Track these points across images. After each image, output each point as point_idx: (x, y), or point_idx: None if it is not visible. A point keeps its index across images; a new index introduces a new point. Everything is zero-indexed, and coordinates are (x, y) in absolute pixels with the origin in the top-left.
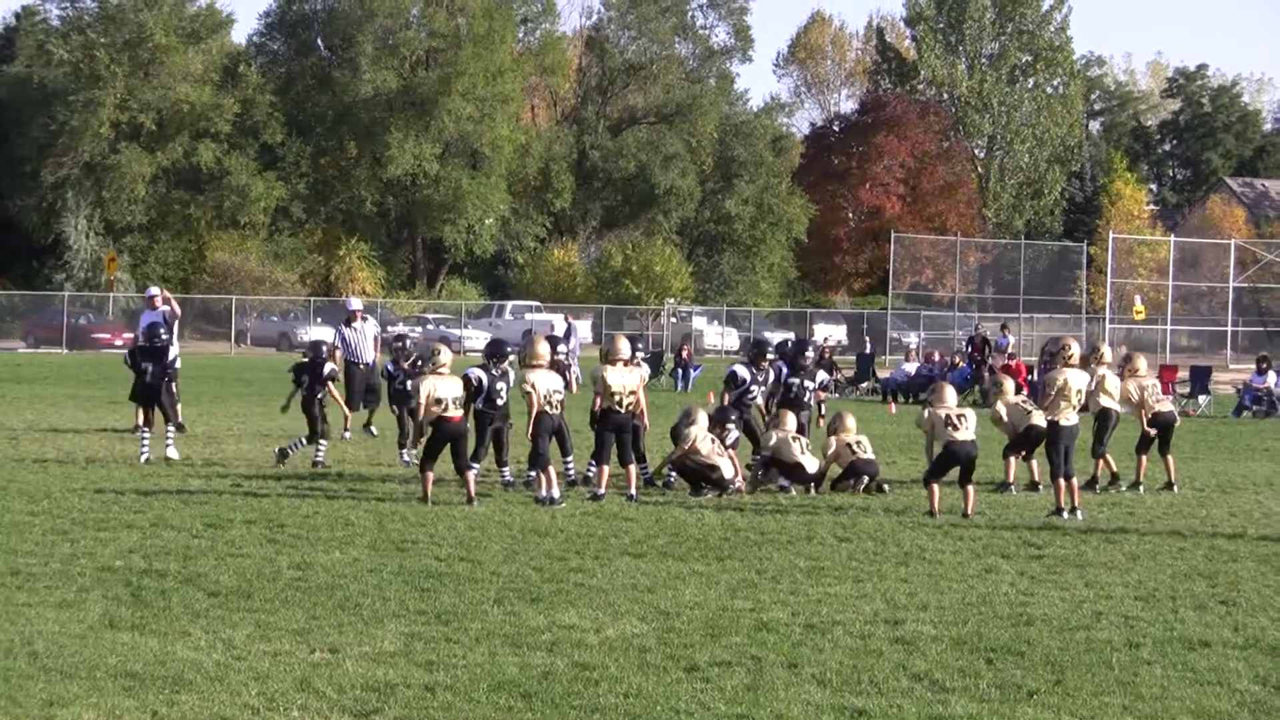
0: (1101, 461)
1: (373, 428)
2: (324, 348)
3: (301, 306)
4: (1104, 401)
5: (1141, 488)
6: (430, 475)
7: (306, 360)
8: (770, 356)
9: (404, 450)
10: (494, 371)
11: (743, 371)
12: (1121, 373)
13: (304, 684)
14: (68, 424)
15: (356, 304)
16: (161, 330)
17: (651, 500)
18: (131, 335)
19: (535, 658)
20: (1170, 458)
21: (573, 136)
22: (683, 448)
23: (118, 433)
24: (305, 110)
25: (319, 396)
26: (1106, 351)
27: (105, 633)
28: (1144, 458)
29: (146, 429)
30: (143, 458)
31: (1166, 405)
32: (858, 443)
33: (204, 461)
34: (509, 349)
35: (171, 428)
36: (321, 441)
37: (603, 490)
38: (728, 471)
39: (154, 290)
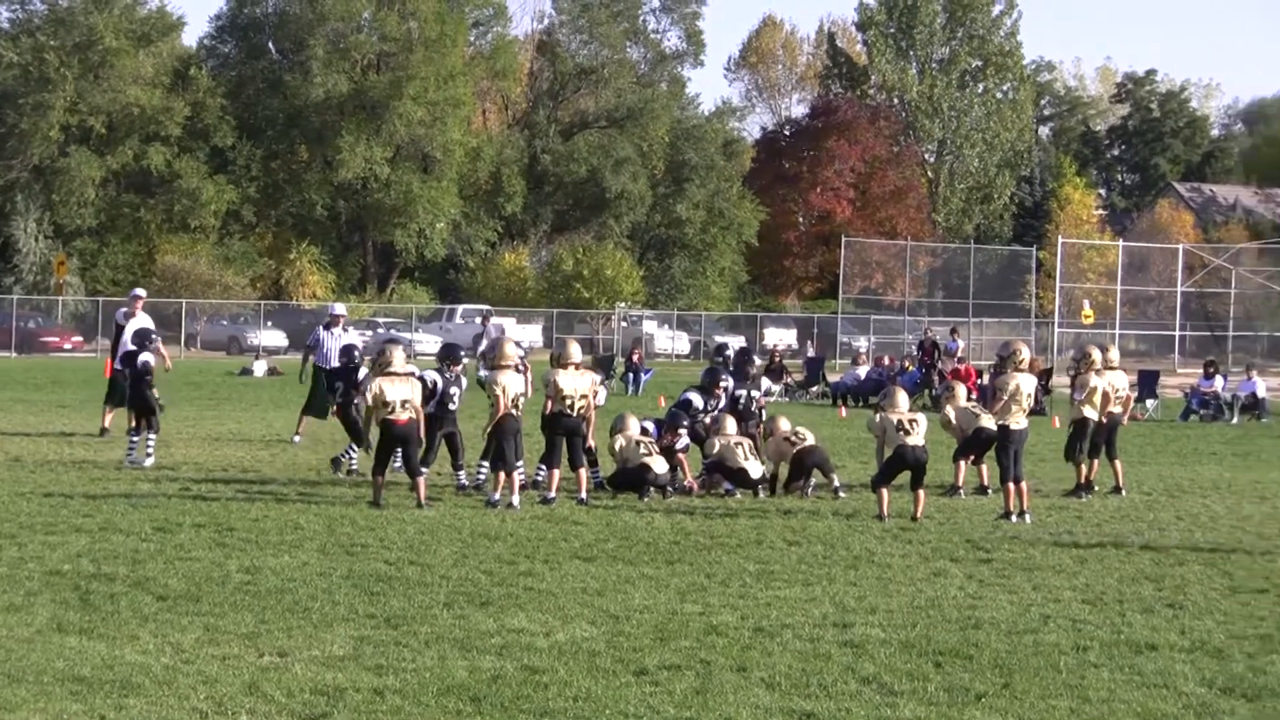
0: (1083, 465)
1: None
2: (356, 353)
3: (252, 310)
4: (1086, 411)
5: (1091, 492)
6: (381, 479)
7: (339, 367)
8: (724, 383)
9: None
10: (448, 375)
11: (697, 400)
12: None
13: (253, 688)
14: (16, 428)
15: (340, 309)
16: (153, 334)
17: (601, 504)
18: (81, 339)
19: (485, 661)
20: (1118, 462)
21: (524, 140)
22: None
23: (66, 436)
24: (256, 113)
25: (355, 402)
26: (1098, 357)
27: (53, 637)
28: (1095, 461)
29: (151, 433)
30: (148, 462)
31: (1117, 407)
32: (795, 433)
33: (153, 465)
34: (462, 352)
35: (152, 435)
36: (353, 449)
37: (553, 494)
38: (660, 468)
39: (139, 291)
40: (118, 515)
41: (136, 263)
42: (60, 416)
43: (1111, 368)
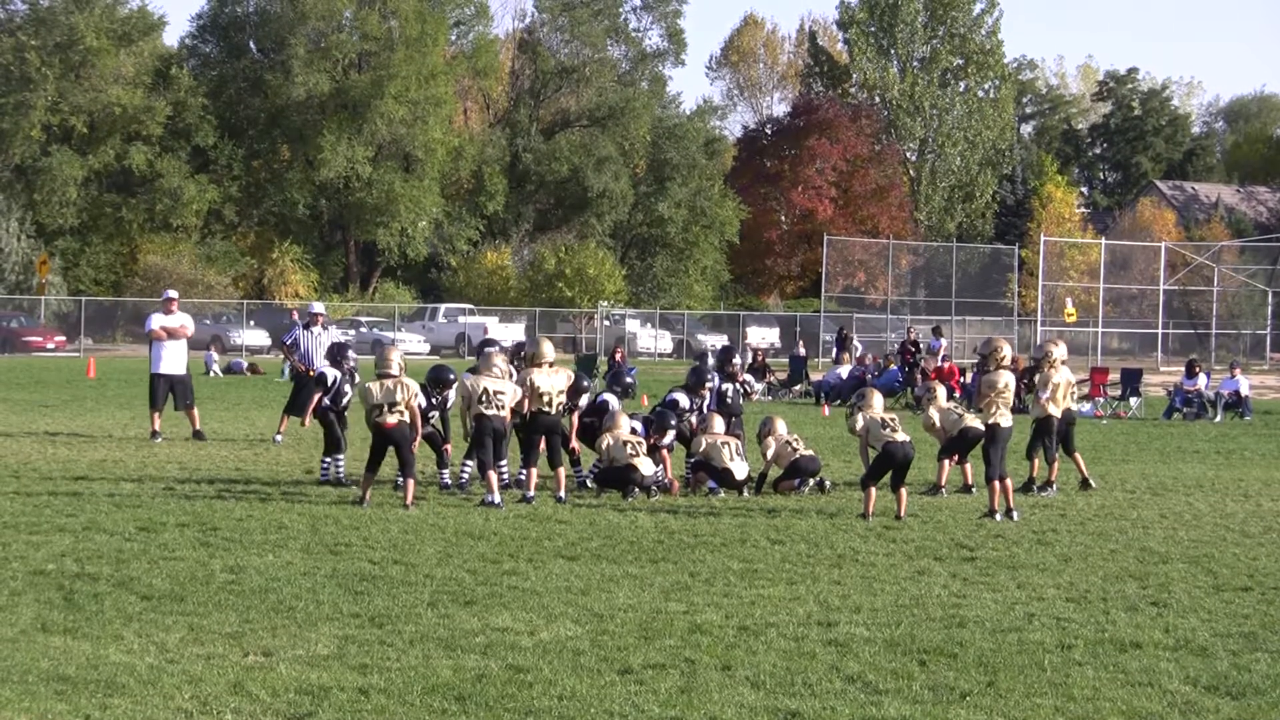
0: (1038, 463)
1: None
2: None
3: (234, 310)
4: (1051, 409)
5: (1054, 488)
6: (370, 478)
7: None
8: (709, 383)
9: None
10: (434, 399)
11: (683, 400)
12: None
13: (237, 687)
14: None
15: (319, 307)
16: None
17: (585, 503)
18: (64, 338)
19: (469, 660)
20: (1077, 455)
21: (505, 139)
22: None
23: (50, 436)
24: (237, 113)
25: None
26: (1056, 353)
27: (37, 636)
28: (1055, 458)
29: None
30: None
31: (1073, 404)
32: (795, 439)
33: (137, 464)
34: (451, 376)
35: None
36: (339, 456)
37: (532, 493)
38: (647, 469)
39: (171, 293)
40: (101, 515)
41: (118, 262)
42: (43, 416)
43: (1064, 363)
